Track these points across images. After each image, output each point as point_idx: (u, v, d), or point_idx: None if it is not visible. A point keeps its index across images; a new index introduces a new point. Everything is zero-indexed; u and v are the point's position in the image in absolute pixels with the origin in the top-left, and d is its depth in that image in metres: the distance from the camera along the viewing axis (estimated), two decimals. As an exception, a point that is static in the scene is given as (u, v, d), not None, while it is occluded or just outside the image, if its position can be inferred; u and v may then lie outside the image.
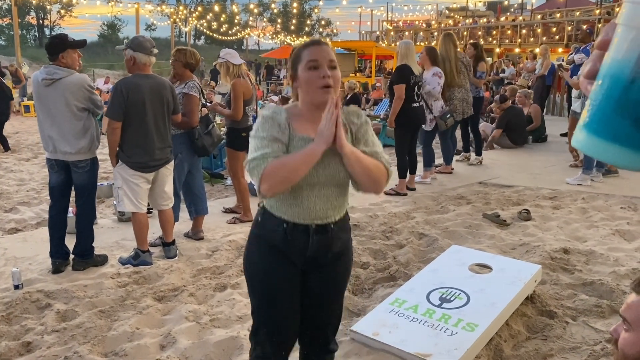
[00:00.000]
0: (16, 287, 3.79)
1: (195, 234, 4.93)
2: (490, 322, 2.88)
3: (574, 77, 7.81)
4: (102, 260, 4.31)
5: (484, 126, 9.17)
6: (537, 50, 15.18)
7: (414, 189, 6.54)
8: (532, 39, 22.60)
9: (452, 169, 7.39)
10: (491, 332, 2.91)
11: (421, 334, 2.85)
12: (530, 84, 12.36)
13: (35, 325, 3.33)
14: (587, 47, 8.97)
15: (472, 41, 7.17)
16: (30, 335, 3.21)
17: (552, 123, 10.53)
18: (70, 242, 4.25)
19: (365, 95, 15.07)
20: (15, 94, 17.50)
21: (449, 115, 6.73)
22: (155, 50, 4.14)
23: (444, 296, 3.19)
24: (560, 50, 19.55)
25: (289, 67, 1.96)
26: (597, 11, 21.98)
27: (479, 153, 7.92)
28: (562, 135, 9.97)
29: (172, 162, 4.36)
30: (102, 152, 4.20)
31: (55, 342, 3.13)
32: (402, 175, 6.39)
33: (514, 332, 3.06)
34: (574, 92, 7.74)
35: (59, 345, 3.10)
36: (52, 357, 2.96)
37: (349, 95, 12.61)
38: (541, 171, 7.35)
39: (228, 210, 5.78)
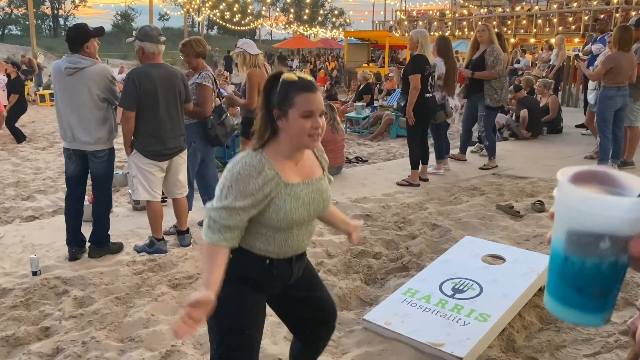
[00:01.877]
0: (34, 273, 3.86)
1: (209, 223, 4.97)
2: (503, 312, 2.89)
3: (590, 67, 7.71)
4: (118, 248, 4.37)
5: (498, 117, 9.10)
6: (552, 40, 14.99)
7: (426, 180, 6.52)
8: (547, 29, 22.35)
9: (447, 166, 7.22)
10: (504, 323, 2.91)
11: (433, 323, 2.86)
12: (544, 74, 12.23)
13: (53, 311, 3.39)
14: (605, 37, 8.83)
15: (496, 31, 7.05)
16: (48, 320, 3.28)
17: (567, 114, 10.41)
18: (86, 230, 4.31)
19: (378, 86, 15.00)
20: (31, 84, 17.69)
21: (443, 110, 6.64)
22: (163, 38, 4.13)
23: (456, 287, 3.20)
24: (576, 40, 19.29)
25: (276, 101, 1.84)
26: (615, 0, 21.62)
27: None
28: (577, 126, 9.87)
29: (186, 151, 4.39)
30: (117, 142, 4.25)
31: (72, 327, 3.19)
32: (414, 166, 6.37)
33: (527, 323, 3.07)
34: (591, 84, 7.64)
35: (77, 330, 3.16)
36: (70, 342, 3.02)
37: (361, 86, 12.57)
38: (555, 162, 7.29)
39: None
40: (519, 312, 3.07)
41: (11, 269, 4.11)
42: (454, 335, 2.74)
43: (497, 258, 3.58)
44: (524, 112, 8.83)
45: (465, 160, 7.33)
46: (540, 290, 3.32)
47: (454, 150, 7.52)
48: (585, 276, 0.71)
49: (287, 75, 1.85)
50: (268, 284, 1.98)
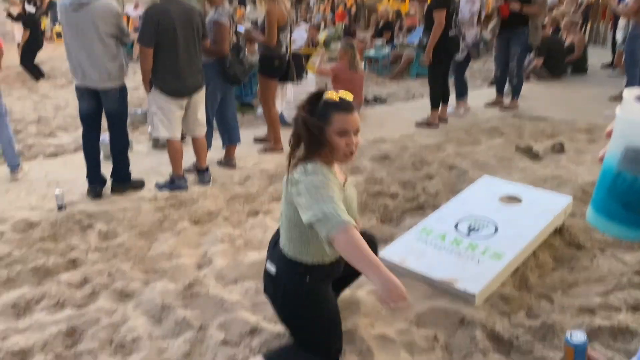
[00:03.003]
0: (59, 208, 3.98)
1: (227, 162, 5.03)
2: (517, 252, 2.93)
3: (620, 4, 7.37)
4: (140, 184, 4.46)
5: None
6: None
7: (446, 120, 6.46)
8: (578, -38, 21.19)
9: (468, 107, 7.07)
10: (518, 262, 2.96)
11: (448, 261, 2.92)
12: (572, 11, 11.74)
13: (80, 244, 3.52)
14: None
15: None
16: (75, 252, 3.41)
17: (593, 53, 10.07)
18: (106, 167, 4.39)
19: (399, 23, 14.57)
20: (46, 20, 17.50)
21: (482, 45, 6.48)
22: None
23: (472, 226, 3.23)
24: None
25: (314, 120, 1.99)
26: None
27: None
28: (604, 66, 9.57)
29: (204, 89, 4.38)
30: (135, 80, 4.26)
31: (98, 259, 3.32)
32: (434, 106, 6.30)
33: (541, 262, 3.11)
34: (621, 22, 7.34)
35: (103, 262, 3.29)
36: (97, 272, 3.15)
37: (381, 23, 12.24)
38: (579, 104, 7.13)
39: (259, 140, 5.84)
40: (533, 252, 3.10)
41: (37, 203, 4.24)
42: (468, 272, 2.79)
43: (514, 198, 3.59)
44: (537, 61, 8.56)
45: (502, 102, 7.10)
46: (556, 230, 3.34)
47: (475, 91, 7.36)
48: (634, 192, 0.75)
49: (329, 95, 2.01)
50: (335, 274, 2.30)
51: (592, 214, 0.82)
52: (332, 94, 2.03)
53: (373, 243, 2.52)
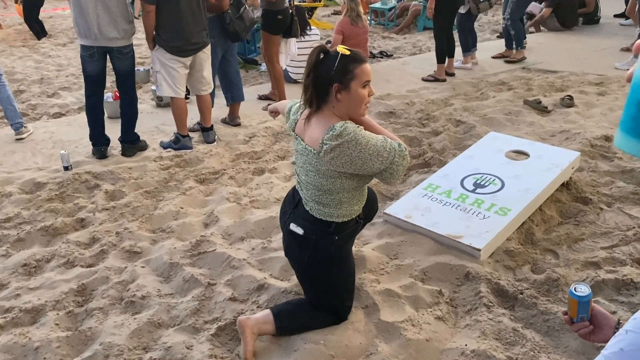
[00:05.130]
0: (66, 168, 3.99)
1: (232, 120, 5.00)
2: (523, 207, 2.92)
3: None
4: (144, 145, 4.45)
5: (532, 6, 8.59)
6: None
7: (453, 75, 6.35)
8: None
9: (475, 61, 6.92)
10: (523, 217, 2.95)
11: (453, 217, 2.92)
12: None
13: (87, 204, 3.55)
14: None
15: None
16: (83, 212, 3.44)
17: (606, 3, 9.77)
18: (109, 127, 4.37)
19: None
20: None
21: (483, 0, 6.28)
22: None
23: (478, 182, 3.22)
24: None
25: (335, 76, 1.98)
26: None
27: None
28: (616, 16, 9.31)
29: (209, 46, 4.31)
30: (137, 37, 4.18)
31: (106, 219, 3.35)
32: (441, 60, 6.18)
33: (547, 217, 3.10)
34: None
35: (110, 222, 3.32)
36: (104, 232, 3.19)
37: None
38: (589, 55, 6.97)
39: (263, 97, 5.78)
40: (539, 207, 3.10)
41: (44, 164, 4.25)
42: (473, 228, 2.80)
43: (521, 153, 3.55)
44: (546, 11, 8.31)
45: (524, 58, 6.90)
46: (563, 185, 3.32)
47: (483, 44, 7.20)
48: None
49: (342, 50, 1.99)
50: (357, 232, 2.33)
51: (620, 137, 0.81)
52: (342, 49, 2.00)
53: (374, 199, 2.52)
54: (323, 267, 2.18)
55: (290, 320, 2.22)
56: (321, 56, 2.01)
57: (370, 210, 2.44)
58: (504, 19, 6.88)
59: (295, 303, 2.33)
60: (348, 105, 2.02)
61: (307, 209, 2.16)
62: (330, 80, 1.98)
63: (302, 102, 2.12)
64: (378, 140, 1.97)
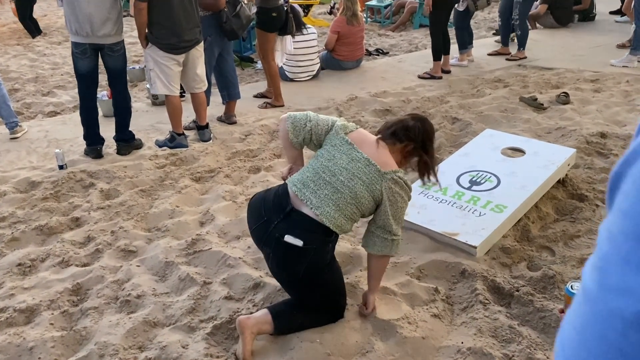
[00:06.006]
0: (60, 167, 3.97)
1: (228, 119, 4.98)
2: (519, 204, 2.92)
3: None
4: (140, 143, 4.43)
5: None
6: None
7: (449, 72, 6.34)
8: None
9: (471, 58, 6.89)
10: (519, 214, 2.95)
11: (449, 214, 2.91)
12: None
13: (82, 203, 3.53)
14: None
15: None
16: (78, 211, 3.42)
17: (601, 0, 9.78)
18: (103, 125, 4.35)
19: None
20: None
21: None
22: None
23: (474, 179, 3.21)
24: None
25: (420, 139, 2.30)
26: None
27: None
28: (611, 12, 9.31)
29: (202, 44, 4.29)
30: (133, 35, 4.16)
31: (101, 218, 3.34)
32: (437, 58, 6.17)
33: (543, 214, 3.10)
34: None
35: (105, 221, 3.30)
36: (99, 231, 3.17)
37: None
38: (585, 52, 6.98)
39: (259, 95, 5.76)
40: (535, 204, 3.10)
41: (38, 163, 4.23)
42: (469, 225, 2.79)
43: (517, 151, 3.55)
44: (541, 8, 8.31)
45: (510, 53, 6.92)
46: (559, 182, 3.32)
47: (479, 41, 7.20)
48: None
49: None
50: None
51: None
52: None
53: None
54: (319, 275, 2.19)
55: (289, 321, 2.21)
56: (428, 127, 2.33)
57: None
58: (502, 18, 6.88)
59: (293, 303, 2.31)
60: (398, 162, 2.23)
61: (315, 212, 2.08)
62: (413, 139, 2.25)
63: (382, 131, 2.31)
64: (403, 220, 2.23)
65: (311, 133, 2.28)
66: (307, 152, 2.56)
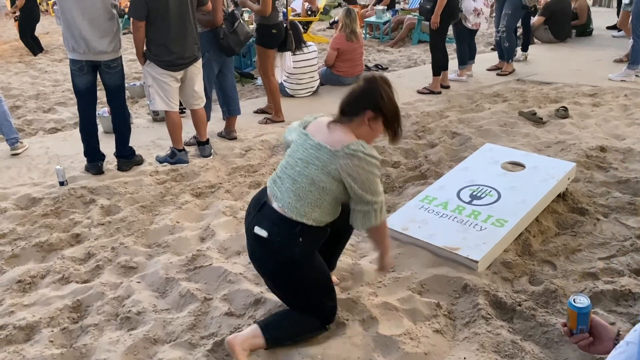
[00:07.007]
0: (61, 183, 3.97)
1: (228, 134, 5.00)
2: (520, 218, 2.91)
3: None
4: (140, 159, 4.44)
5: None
6: None
7: (448, 87, 6.38)
8: None
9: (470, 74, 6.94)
10: (520, 228, 2.95)
11: (450, 229, 2.91)
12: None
13: (82, 219, 3.53)
14: None
15: None
16: (78, 227, 3.42)
17: (599, 15, 9.88)
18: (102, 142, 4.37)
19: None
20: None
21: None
22: None
23: (474, 193, 3.21)
24: None
25: (376, 105, 2.24)
26: None
27: (525, 49, 7.56)
28: (608, 28, 9.40)
29: (201, 61, 4.32)
30: (133, 52, 4.20)
31: (102, 234, 3.33)
32: (436, 73, 6.21)
33: (544, 228, 3.10)
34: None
35: (106, 237, 3.30)
36: (100, 247, 3.16)
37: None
38: (583, 67, 7.02)
39: (259, 111, 5.79)
40: (536, 218, 3.09)
41: (39, 179, 4.24)
42: (470, 239, 2.79)
43: (517, 165, 3.56)
44: (538, 20, 8.39)
45: (514, 70, 6.96)
46: (560, 196, 3.33)
47: (477, 56, 7.24)
48: None
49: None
50: (324, 238, 2.33)
51: None
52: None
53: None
54: (290, 271, 2.18)
55: (278, 330, 2.21)
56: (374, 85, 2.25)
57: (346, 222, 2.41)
58: (497, 31, 6.93)
59: (281, 313, 2.33)
60: (368, 133, 2.20)
61: (279, 205, 2.17)
62: (365, 106, 2.20)
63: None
64: (380, 183, 2.16)
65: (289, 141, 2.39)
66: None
